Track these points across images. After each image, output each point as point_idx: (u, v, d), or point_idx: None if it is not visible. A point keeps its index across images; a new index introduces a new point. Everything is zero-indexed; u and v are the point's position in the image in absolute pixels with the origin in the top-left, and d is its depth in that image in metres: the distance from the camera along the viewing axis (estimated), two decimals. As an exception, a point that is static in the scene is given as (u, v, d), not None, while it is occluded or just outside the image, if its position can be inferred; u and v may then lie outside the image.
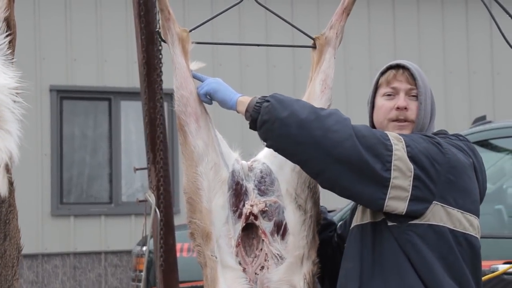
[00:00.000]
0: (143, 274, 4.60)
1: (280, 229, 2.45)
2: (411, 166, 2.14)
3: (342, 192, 2.24)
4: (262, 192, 2.47)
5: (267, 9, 2.72)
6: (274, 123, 2.21)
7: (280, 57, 9.39)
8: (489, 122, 5.08)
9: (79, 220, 8.95)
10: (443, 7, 10.30)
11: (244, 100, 2.33)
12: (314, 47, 2.65)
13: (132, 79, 8.83)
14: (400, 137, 2.20)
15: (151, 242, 4.39)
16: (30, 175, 8.73)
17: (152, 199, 4.17)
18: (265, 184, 2.48)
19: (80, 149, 9.17)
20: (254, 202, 2.44)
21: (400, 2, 10.14)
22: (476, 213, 2.25)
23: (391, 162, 2.14)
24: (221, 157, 2.46)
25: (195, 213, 2.41)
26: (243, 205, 2.45)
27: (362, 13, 9.71)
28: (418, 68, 2.41)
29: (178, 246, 4.65)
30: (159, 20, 2.43)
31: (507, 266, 3.88)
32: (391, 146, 2.16)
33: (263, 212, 2.45)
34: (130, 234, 8.92)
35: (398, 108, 2.33)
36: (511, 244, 4.27)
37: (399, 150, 2.16)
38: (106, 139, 9.21)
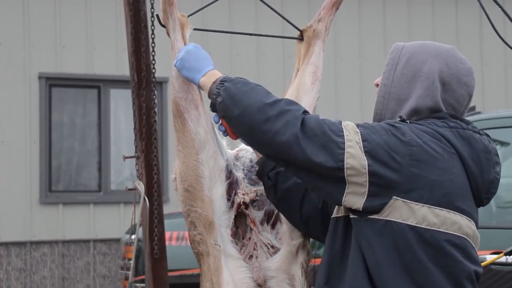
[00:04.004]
0: (132, 262, 4.59)
1: (271, 218, 2.44)
2: (365, 162, 2.03)
3: (306, 184, 2.24)
4: (253, 182, 2.45)
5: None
6: (229, 121, 2.19)
7: (270, 46, 9.38)
8: (478, 112, 5.10)
9: (67, 208, 8.93)
10: (433, -3, 10.31)
11: (205, 84, 2.27)
12: (301, 38, 2.65)
13: (121, 67, 8.80)
14: (358, 130, 2.08)
15: (140, 230, 4.39)
16: (18, 162, 8.70)
17: (141, 187, 4.17)
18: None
19: (69, 137, 9.14)
20: (245, 192, 2.44)
21: (390, -8, 10.15)
22: (450, 206, 2.08)
23: (343, 161, 2.04)
24: (217, 145, 2.45)
25: (196, 201, 2.38)
26: (235, 194, 2.44)
27: (352, 3, 9.71)
28: (406, 46, 2.26)
29: (167, 234, 4.65)
30: (152, 8, 2.41)
31: (495, 256, 3.90)
32: (343, 143, 2.05)
33: (253, 201, 2.45)
34: (119, 222, 8.91)
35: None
36: (499, 235, 4.29)
37: (352, 146, 2.05)
38: (95, 127, 9.18)
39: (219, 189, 2.40)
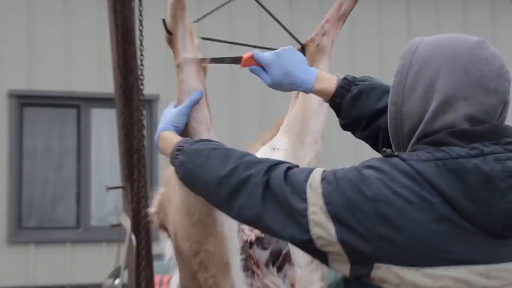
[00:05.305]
0: (116, 311, 4.60)
1: (277, 259, 2.45)
2: (333, 230, 2.01)
3: None
4: None
5: (259, 4, 2.75)
6: (199, 195, 2.27)
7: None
8: None
9: (40, 248, 8.93)
10: None
11: (165, 152, 2.37)
12: (302, 52, 2.68)
13: (104, 83, 8.83)
14: (320, 190, 2.05)
15: (125, 274, 4.39)
16: (-16, 194, 8.73)
17: (127, 223, 4.17)
18: None
19: (43, 164, 9.17)
20: (250, 228, 2.44)
21: (416, -4, 10.24)
22: (441, 262, 2.00)
23: (310, 232, 2.03)
24: None
25: (207, 238, 2.38)
26: (239, 231, 2.45)
27: (372, 9, 9.77)
28: (420, 48, 2.12)
29: (157, 278, 4.65)
30: (140, 16, 2.42)
31: None
32: (306, 210, 2.03)
33: (257, 239, 2.45)
34: (100, 264, 8.91)
35: None
36: None
37: (316, 212, 2.03)
38: (74, 153, 9.21)
39: (232, 224, 2.41)
